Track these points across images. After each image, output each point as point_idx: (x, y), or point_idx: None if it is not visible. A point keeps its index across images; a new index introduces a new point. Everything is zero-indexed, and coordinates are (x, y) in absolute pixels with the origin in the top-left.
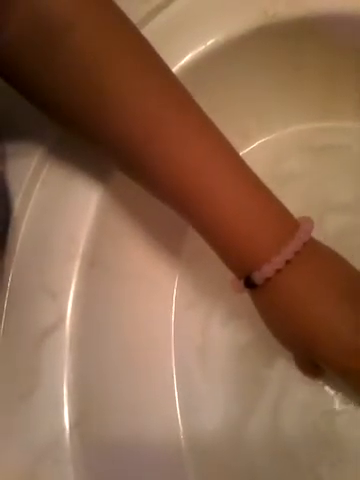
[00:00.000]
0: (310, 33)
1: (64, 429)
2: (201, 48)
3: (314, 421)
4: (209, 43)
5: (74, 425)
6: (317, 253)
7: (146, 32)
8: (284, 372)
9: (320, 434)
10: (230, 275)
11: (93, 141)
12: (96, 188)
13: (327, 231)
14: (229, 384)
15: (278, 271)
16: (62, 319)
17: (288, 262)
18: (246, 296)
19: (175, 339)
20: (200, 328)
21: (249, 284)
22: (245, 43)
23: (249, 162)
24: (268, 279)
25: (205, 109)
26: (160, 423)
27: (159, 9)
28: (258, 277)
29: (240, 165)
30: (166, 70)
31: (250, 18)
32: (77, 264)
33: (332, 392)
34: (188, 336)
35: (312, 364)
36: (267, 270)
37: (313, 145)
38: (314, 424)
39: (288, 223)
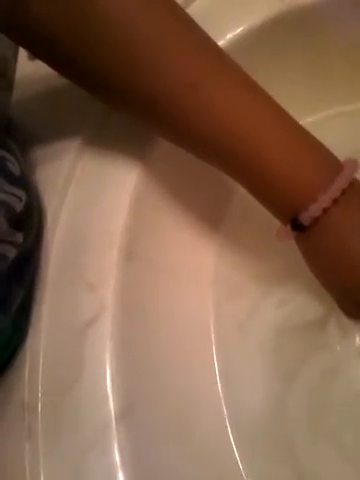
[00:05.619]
0: (328, 16)
1: (110, 420)
2: (220, 42)
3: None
4: (228, 37)
5: (120, 416)
6: None
7: None
8: (331, 352)
9: None
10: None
11: (128, 102)
12: (130, 180)
13: None
14: (269, 362)
15: (325, 210)
16: (102, 311)
17: (335, 201)
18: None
19: (216, 325)
20: (245, 312)
21: (296, 226)
22: (264, 33)
23: None
24: (316, 220)
25: None
26: (205, 408)
27: None
28: (306, 217)
29: (280, 110)
30: (198, 27)
31: (266, 8)
32: (114, 256)
33: None
34: (230, 321)
35: (357, 305)
36: (314, 209)
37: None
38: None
39: (332, 163)
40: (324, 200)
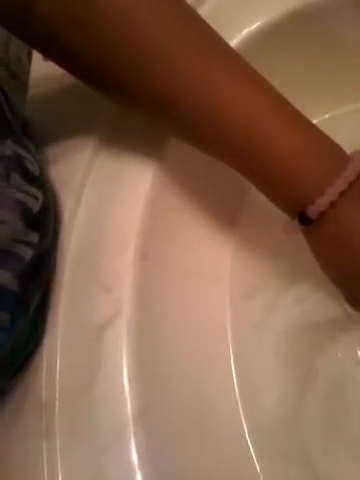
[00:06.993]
0: (337, 14)
1: (128, 421)
2: (236, 39)
3: None
4: (244, 32)
5: (137, 417)
6: None
7: None
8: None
9: None
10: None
11: (134, 99)
12: (145, 180)
13: None
14: (285, 362)
15: (333, 204)
16: (119, 312)
17: (342, 194)
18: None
19: (233, 325)
20: (262, 310)
21: (304, 220)
22: (279, 30)
23: None
24: (323, 213)
25: None
26: (222, 408)
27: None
28: (313, 211)
29: (287, 105)
30: (205, 23)
31: (282, 4)
32: (130, 256)
33: None
34: (247, 321)
35: None
36: (321, 203)
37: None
38: None
39: (340, 156)
40: (331, 193)
